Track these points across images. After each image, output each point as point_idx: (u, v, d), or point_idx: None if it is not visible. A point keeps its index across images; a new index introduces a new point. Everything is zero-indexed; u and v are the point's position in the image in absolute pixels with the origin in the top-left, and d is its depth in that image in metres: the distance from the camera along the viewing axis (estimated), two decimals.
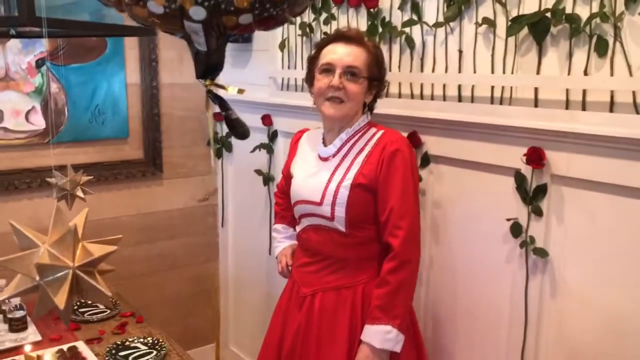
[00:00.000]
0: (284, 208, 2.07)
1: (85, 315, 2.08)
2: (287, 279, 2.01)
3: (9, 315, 1.92)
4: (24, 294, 0.84)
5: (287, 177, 1.96)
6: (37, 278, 0.80)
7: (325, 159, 1.80)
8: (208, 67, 1.24)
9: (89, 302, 2.15)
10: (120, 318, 2.07)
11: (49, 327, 1.98)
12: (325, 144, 1.84)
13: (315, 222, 1.79)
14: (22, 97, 2.50)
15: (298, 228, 1.90)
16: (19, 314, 1.90)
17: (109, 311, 2.10)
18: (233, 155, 3.10)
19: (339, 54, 1.72)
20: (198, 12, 1.07)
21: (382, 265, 1.71)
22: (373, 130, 1.78)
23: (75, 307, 2.11)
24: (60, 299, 0.79)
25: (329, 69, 1.73)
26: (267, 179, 2.79)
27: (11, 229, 0.82)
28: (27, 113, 2.53)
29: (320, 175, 1.78)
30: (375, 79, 1.76)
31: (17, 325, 1.90)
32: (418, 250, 1.73)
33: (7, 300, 1.90)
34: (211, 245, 3.25)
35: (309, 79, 1.84)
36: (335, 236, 1.75)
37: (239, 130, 1.30)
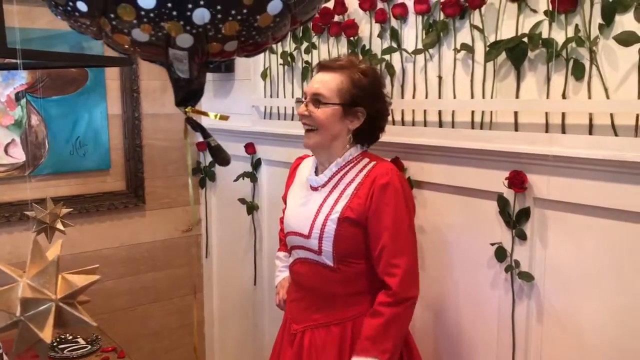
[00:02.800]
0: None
1: (64, 351, 2.03)
2: (283, 310, 1.95)
3: None
4: (4, 330, 0.81)
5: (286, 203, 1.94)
6: (18, 313, 0.78)
7: (315, 189, 1.76)
8: (189, 93, 1.22)
9: (69, 337, 2.10)
10: (101, 353, 2.02)
11: None
12: (317, 173, 1.79)
13: (304, 255, 1.75)
14: (1, 130, 2.48)
15: (290, 259, 1.85)
16: None
17: (89, 347, 2.05)
18: (216, 184, 3.08)
19: (312, 82, 1.72)
20: (185, 40, 1.06)
21: (376, 296, 1.66)
22: (365, 161, 1.72)
23: (54, 344, 2.06)
24: (47, 333, 0.77)
25: (303, 99, 1.73)
26: (251, 208, 2.77)
27: None
28: (7, 146, 2.50)
29: (309, 206, 1.73)
30: (353, 104, 1.66)
31: None
32: (417, 289, 1.66)
33: None
34: (195, 276, 3.21)
35: None
36: (324, 271, 1.70)
37: (220, 157, 1.29)
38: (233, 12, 1.00)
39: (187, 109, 1.27)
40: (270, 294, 2.65)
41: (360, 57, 2.05)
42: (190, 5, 0.97)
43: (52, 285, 0.78)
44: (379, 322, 1.61)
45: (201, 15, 0.99)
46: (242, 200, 2.78)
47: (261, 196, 2.75)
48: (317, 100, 1.67)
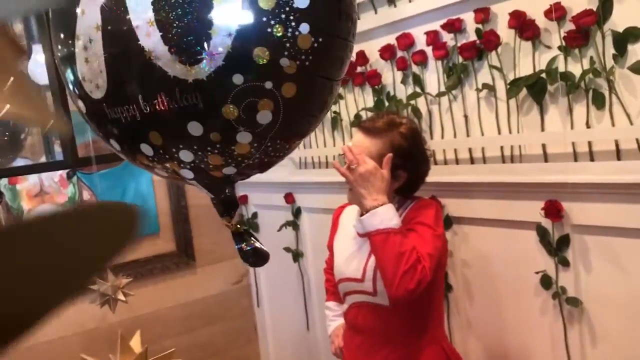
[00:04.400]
0: (334, 284, 2.02)
1: None
2: (340, 359, 1.99)
3: None
4: None
5: (332, 251, 1.99)
6: None
7: (362, 235, 1.77)
8: (223, 207, 1.36)
9: None
10: None
11: None
12: None
13: (359, 299, 1.79)
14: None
15: (343, 307, 1.89)
16: None
17: None
18: (260, 235, 3.18)
19: (353, 143, 1.73)
20: (187, 174, 1.21)
21: (435, 333, 1.70)
22: (407, 202, 1.76)
23: None
24: None
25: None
26: (297, 256, 2.86)
27: None
28: None
29: (360, 251, 1.78)
30: (394, 168, 1.65)
31: None
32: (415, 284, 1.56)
33: None
34: (249, 326, 3.29)
35: None
36: (382, 312, 1.74)
37: (258, 257, 1.40)
38: (209, 148, 1.15)
39: (226, 223, 1.41)
40: (323, 337, 2.70)
41: (401, 115, 1.97)
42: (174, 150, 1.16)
43: None
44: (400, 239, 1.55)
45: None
46: (287, 249, 2.87)
47: (305, 243, 2.84)
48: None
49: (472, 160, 1.95)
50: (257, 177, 3.05)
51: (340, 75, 1.25)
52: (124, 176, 2.81)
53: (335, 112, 2.47)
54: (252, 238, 1.37)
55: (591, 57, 1.56)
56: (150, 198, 2.90)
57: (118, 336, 0.92)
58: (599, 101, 1.56)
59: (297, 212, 2.83)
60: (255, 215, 3.16)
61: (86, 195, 2.69)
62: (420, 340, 1.75)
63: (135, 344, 0.88)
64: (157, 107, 1.08)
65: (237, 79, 1.06)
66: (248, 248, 1.32)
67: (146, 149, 1.18)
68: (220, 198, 1.27)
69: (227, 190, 1.27)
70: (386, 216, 1.57)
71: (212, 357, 3.13)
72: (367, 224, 1.59)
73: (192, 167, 1.19)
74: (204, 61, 1.03)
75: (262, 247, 1.38)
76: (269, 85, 1.09)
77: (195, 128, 1.10)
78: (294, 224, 2.84)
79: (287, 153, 1.31)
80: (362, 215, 1.63)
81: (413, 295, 1.55)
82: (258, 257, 1.35)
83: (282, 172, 2.86)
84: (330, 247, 2.02)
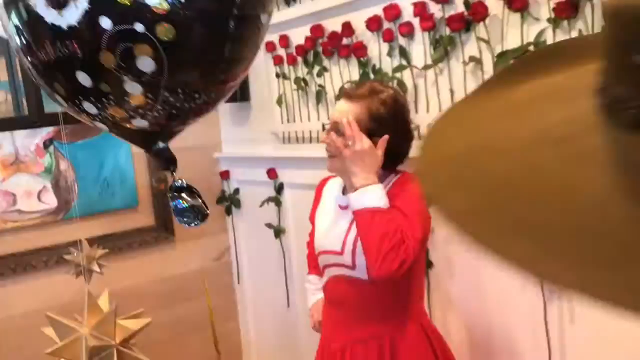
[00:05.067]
0: (316, 258, 1.99)
1: None
2: (319, 333, 1.98)
3: None
4: None
5: (314, 224, 1.97)
6: None
7: (344, 207, 1.79)
8: (158, 161, 1.33)
9: None
10: None
11: None
12: (344, 192, 1.81)
13: (338, 272, 1.77)
14: (33, 178, 2.57)
15: (323, 280, 1.88)
16: None
17: None
18: (242, 211, 3.14)
19: (334, 110, 1.76)
20: (102, 126, 1.21)
21: (413, 310, 1.69)
22: (391, 176, 1.74)
23: None
24: None
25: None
26: (278, 232, 2.82)
27: (48, 320, 0.86)
28: (39, 193, 2.59)
29: (340, 224, 1.77)
30: (372, 135, 1.65)
31: None
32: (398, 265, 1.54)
33: None
34: (229, 303, 3.26)
35: None
36: (360, 286, 1.73)
37: (190, 218, 1.34)
38: (104, 100, 1.13)
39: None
40: (304, 314, 2.68)
41: (388, 85, 1.92)
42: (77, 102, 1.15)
43: (112, 332, 0.84)
44: (387, 213, 1.56)
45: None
46: (269, 225, 2.83)
47: (287, 220, 2.80)
48: (336, 129, 1.70)
49: None
50: (239, 152, 3.02)
51: (234, 12, 1.13)
52: (102, 147, 2.75)
53: (320, 86, 2.43)
54: (191, 195, 1.30)
55: (580, 30, 1.53)
56: (129, 171, 2.85)
57: (85, 293, 0.89)
58: None
59: (279, 188, 2.79)
60: (237, 191, 3.12)
61: (63, 165, 2.63)
62: (399, 316, 1.74)
63: (104, 302, 0.85)
64: (46, 56, 1.07)
65: (106, 23, 1.03)
66: (184, 205, 1.26)
67: (60, 100, 1.18)
68: (151, 152, 1.22)
69: (158, 144, 1.22)
70: (375, 196, 1.57)
71: (192, 332, 3.10)
72: (354, 201, 1.58)
73: (101, 120, 1.15)
74: (71, 4, 1.01)
75: (202, 204, 1.32)
76: (140, 28, 1.03)
77: (83, 78, 1.08)
78: (277, 200, 2.80)
79: (215, 101, 1.26)
80: (349, 191, 1.62)
81: (396, 275, 1.54)
82: (194, 216, 1.29)
83: (265, 146, 2.82)
84: (312, 220, 2.00)
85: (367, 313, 1.75)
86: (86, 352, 0.84)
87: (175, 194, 1.26)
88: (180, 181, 1.28)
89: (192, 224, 1.25)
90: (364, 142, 1.59)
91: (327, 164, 1.76)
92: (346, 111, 1.68)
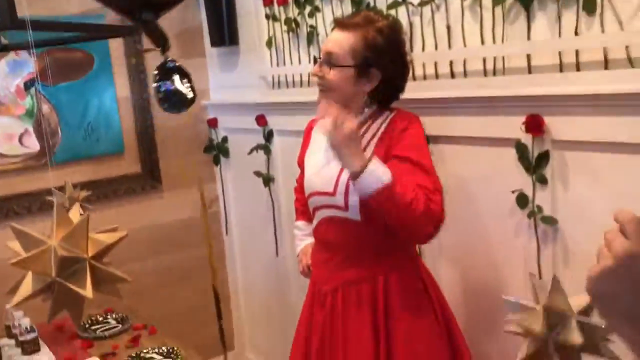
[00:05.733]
0: (304, 203, 1.97)
1: (97, 332, 2.06)
2: (308, 278, 1.94)
3: (21, 338, 1.90)
4: (40, 293, 0.83)
5: (302, 169, 1.91)
6: (54, 274, 0.79)
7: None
8: (148, 35, 1.23)
9: (100, 318, 2.13)
10: (132, 331, 2.05)
11: (61, 346, 1.95)
12: None
13: (329, 213, 1.73)
14: (13, 120, 2.49)
15: (314, 222, 1.83)
16: (31, 336, 1.88)
17: (120, 326, 2.07)
18: (230, 159, 3.08)
19: (327, 40, 1.68)
20: None
21: (405, 251, 1.66)
22: (385, 114, 1.69)
23: (87, 325, 2.09)
24: (87, 290, 0.78)
25: (319, 58, 1.69)
26: (267, 180, 2.77)
27: (13, 232, 0.81)
28: (20, 136, 2.51)
29: (332, 165, 1.70)
30: (368, 65, 1.60)
31: (29, 348, 1.87)
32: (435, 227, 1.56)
33: (17, 324, 1.88)
34: (217, 253, 3.23)
35: None
36: (352, 227, 1.69)
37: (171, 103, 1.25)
38: None
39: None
40: (293, 262, 2.66)
41: (382, 12, 1.93)
42: None
43: (83, 245, 0.79)
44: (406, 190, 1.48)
45: None
46: (258, 173, 2.78)
47: (276, 167, 2.75)
48: (329, 60, 1.63)
49: (452, 75, 1.86)
50: (227, 99, 2.93)
51: None
52: (85, 90, 2.66)
53: (311, 27, 2.34)
54: (182, 78, 1.22)
55: None
56: (114, 116, 2.77)
57: (54, 205, 0.83)
58: (590, 5, 1.46)
59: (268, 135, 2.73)
60: (225, 139, 3.06)
61: (45, 108, 2.55)
62: (391, 257, 1.72)
63: (74, 214, 0.80)
64: None
65: None
66: (167, 88, 1.18)
67: None
68: (139, 22, 1.13)
69: (143, 15, 1.14)
70: (379, 172, 1.48)
71: (179, 281, 3.07)
72: (365, 186, 1.49)
73: None
74: None
75: (188, 92, 1.24)
76: None
77: None
78: (266, 148, 2.74)
79: None
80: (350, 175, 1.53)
81: (436, 234, 1.56)
82: (176, 102, 1.21)
83: (254, 92, 2.74)
84: (300, 164, 1.95)
85: (359, 254, 1.72)
86: (55, 264, 0.79)
87: (165, 74, 1.18)
88: (172, 62, 1.20)
89: (175, 111, 1.18)
90: (353, 122, 1.50)
91: (317, 97, 1.69)
92: (340, 40, 1.62)
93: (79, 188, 2.04)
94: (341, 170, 1.68)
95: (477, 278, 1.93)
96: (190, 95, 1.18)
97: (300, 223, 2.03)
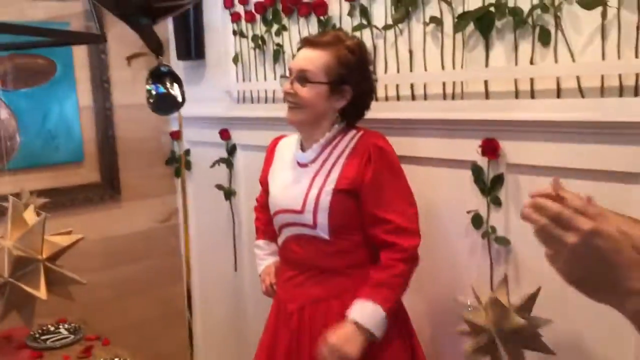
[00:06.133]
0: (265, 222, 1.97)
1: (47, 342, 2.01)
2: (271, 298, 1.92)
3: None
4: None
5: (265, 187, 1.90)
6: (6, 275, 0.79)
7: (303, 165, 1.74)
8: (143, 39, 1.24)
9: (51, 328, 2.08)
10: (85, 342, 2.01)
11: (8, 356, 1.91)
12: (303, 149, 1.77)
13: (296, 231, 1.73)
14: None
15: (279, 240, 1.82)
16: None
17: (72, 336, 2.03)
18: (192, 172, 3.07)
19: (297, 58, 1.70)
20: None
21: (382, 256, 1.68)
22: (352, 132, 1.72)
23: (37, 335, 2.04)
24: (41, 291, 0.78)
25: (288, 75, 1.71)
26: (229, 193, 2.78)
27: None
28: None
29: (300, 182, 1.71)
30: (340, 82, 1.64)
31: None
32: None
33: None
34: (175, 266, 3.20)
35: None
36: (319, 245, 1.69)
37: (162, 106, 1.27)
38: None
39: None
40: (251, 277, 2.66)
41: (347, 32, 1.96)
42: None
43: (38, 247, 0.79)
44: (389, 274, 1.63)
45: None
46: (219, 187, 2.78)
47: (238, 182, 2.76)
48: (303, 77, 1.64)
49: (413, 97, 1.92)
50: (191, 112, 2.93)
51: None
52: (47, 98, 2.63)
53: (278, 45, 2.38)
54: (172, 82, 1.24)
55: None
56: (75, 124, 2.73)
57: (9, 203, 0.83)
58: (545, 37, 1.54)
59: (232, 149, 2.74)
60: (187, 152, 3.05)
61: (4, 113, 2.50)
62: (360, 274, 1.70)
63: (29, 215, 0.80)
64: None
65: None
66: (162, 91, 1.20)
67: None
68: (136, 27, 1.14)
69: (142, 19, 1.15)
70: (372, 318, 1.62)
71: (136, 294, 3.03)
72: (371, 320, 1.61)
73: None
74: None
75: (178, 95, 1.26)
76: None
77: None
78: (228, 162, 2.75)
79: None
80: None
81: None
82: (170, 104, 1.22)
83: (218, 106, 2.75)
84: (262, 182, 1.95)
85: (328, 274, 1.71)
86: (9, 264, 0.78)
87: (158, 78, 1.19)
88: (165, 67, 1.21)
89: (164, 113, 1.19)
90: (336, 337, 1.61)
91: (287, 114, 1.71)
92: (312, 58, 1.64)
93: (36, 195, 2.00)
94: (309, 187, 1.69)
95: (430, 295, 1.97)
96: (180, 99, 1.20)
97: (261, 242, 2.00)
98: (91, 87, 2.78)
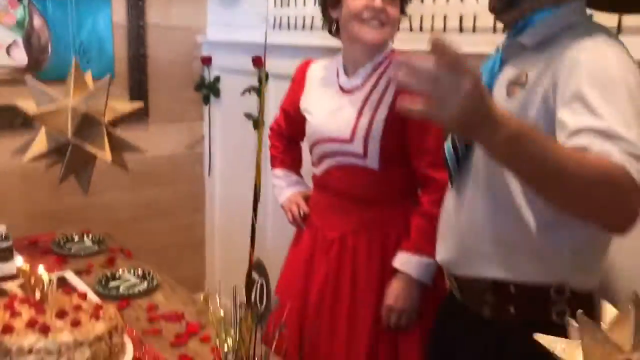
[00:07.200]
0: (282, 151, 1.93)
1: (72, 250, 2.02)
2: (299, 227, 1.86)
3: None
4: (53, 153, 0.79)
5: (292, 114, 1.84)
6: (70, 136, 0.76)
7: (348, 91, 1.68)
8: None
9: (75, 237, 2.09)
10: (108, 253, 2.02)
11: (35, 260, 1.92)
12: (347, 73, 1.70)
13: (342, 161, 1.67)
14: (2, 29, 2.40)
15: (318, 169, 1.76)
16: (5, 244, 1.84)
17: (96, 247, 2.04)
18: (221, 100, 3.03)
19: None
20: None
21: (421, 197, 1.64)
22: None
23: (62, 243, 2.05)
24: (107, 153, 0.75)
25: None
26: (258, 123, 2.73)
27: (28, 85, 0.77)
28: (8, 47, 2.43)
29: (346, 109, 1.65)
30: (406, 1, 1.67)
31: (2, 255, 1.83)
32: None
33: None
34: (197, 194, 3.20)
35: (331, 1, 1.68)
36: (367, 176, 1.65)
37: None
38: None
39: None
40: (273, 210, 2.64)
41: None
42: None
43: (101, 109, 0.76)
44: (433, 226, 1.45)
45: None
46: (249, 115, 2.74)
47: (268, 111, 2.71)
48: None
49: (461, 29, 1.84)
50: (224, 37, 2.86)
51: None
52: (81, 10, 2.57)
53: None
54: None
55: None
56: (108, 40, 2.69)
57: (72, 64, 0.80)
58: None
59: (264, 78, 2.68)
60: (217, 79, 3.00)
61: (37, 21, 2.46)
62: (406, 205, 1.68)
63: (89, 78, 0.76)
64: None
65: None
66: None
67: None
68: None
69: None
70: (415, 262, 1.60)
71: (155, 217, 3.04)
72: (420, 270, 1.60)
73: None
74: None
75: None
76: None
77: None
78: (259, 90, 2.69)
79: None
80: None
81: None
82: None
83: (252, 31, 2.68)
84: (288, 109, 1.89)
85: (373, 204, 1.67)
86: (72, 123, 0.75)
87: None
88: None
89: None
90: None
91: (368, 33, 1.60)
92: None
93: None
94: (358, 115, 1.62)
95: None
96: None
97: (279, 171, 1.95)
98: (125, 2, 2.72)
